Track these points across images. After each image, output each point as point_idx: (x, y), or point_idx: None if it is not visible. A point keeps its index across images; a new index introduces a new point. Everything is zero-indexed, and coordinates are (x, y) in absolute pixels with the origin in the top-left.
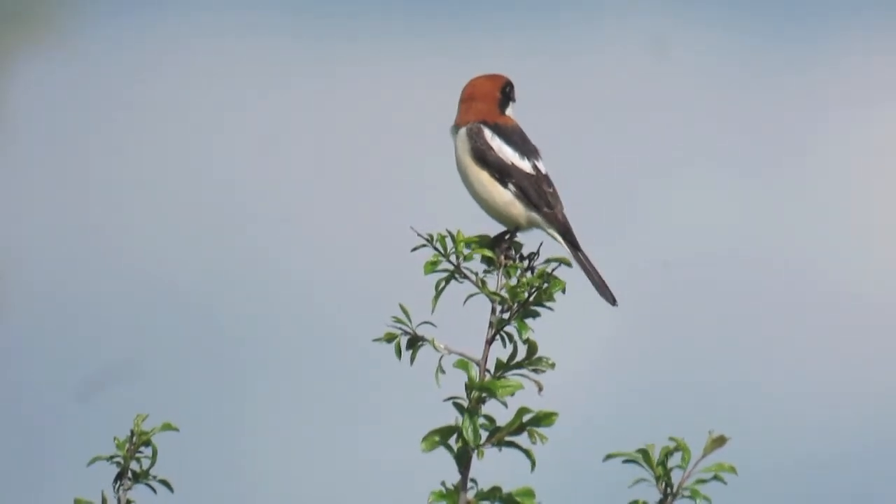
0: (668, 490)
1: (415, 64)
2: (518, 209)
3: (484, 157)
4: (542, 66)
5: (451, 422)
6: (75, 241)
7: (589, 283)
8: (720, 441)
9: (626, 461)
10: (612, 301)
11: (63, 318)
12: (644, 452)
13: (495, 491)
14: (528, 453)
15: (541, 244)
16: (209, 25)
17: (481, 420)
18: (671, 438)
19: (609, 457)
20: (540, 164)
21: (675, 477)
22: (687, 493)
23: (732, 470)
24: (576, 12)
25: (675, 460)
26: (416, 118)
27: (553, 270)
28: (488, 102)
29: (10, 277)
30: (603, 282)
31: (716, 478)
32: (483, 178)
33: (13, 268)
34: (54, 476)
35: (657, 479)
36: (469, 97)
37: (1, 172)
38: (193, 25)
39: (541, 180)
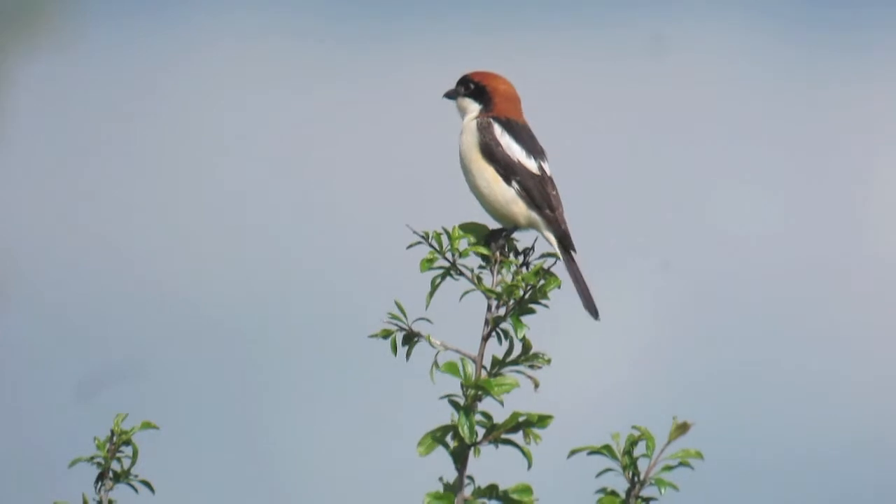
0: (636, 479)
1: (413, 65)
2: (519, 207)
3: (491, 153)
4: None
5: (448, 418)
6: (76, 241)
7: (576, 291)
8: (684, 427)
9: (591, 453)
10: (595, 315)
11: (62, 318)
12: (607, 447)
13: (492, 488)
14: (524, 451)
15: (535, 239)
16: (210, 27)
17: (478, 417)
18: (634, 427)
19: (573, 452)
20: (545, 166)
21: (643, 465)
22: (654, 481)
23: (699, 455)
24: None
25: (642, 449)
26: (414, 118)
27: (549, 267)
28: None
29: (10, 278)
30: (589, 294)
31: (682, 464)
32: (488, 173)
33: (13, 268)
34: (36, 478)
35: (624, 468)
36: (516, 98)
37: (3, 172)
38: (195, 28)
39: (545, 182)
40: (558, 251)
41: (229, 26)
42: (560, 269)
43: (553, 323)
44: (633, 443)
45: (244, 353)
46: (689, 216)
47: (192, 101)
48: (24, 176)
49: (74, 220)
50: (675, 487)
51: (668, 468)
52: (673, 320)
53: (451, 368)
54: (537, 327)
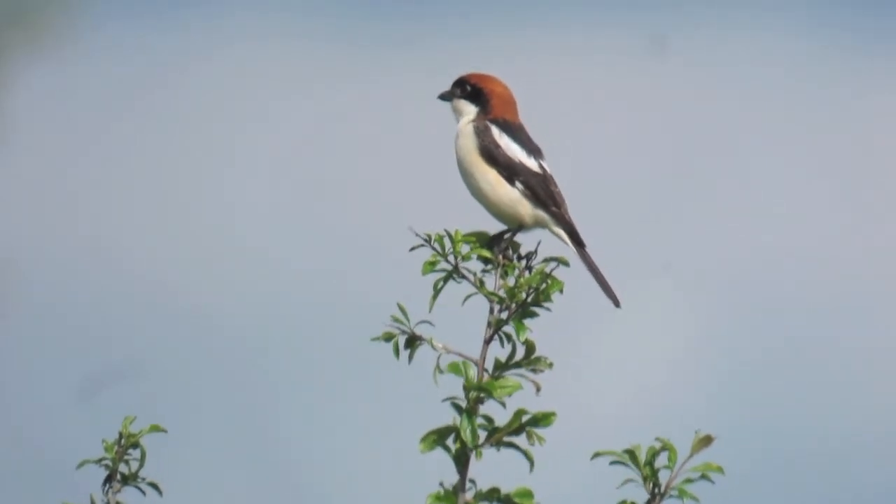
0: (656, 490)
1: (416, 68)
2: (525, 207)
3: (492, 155)
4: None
5: (450, 421)
6: (80, 242)
7: (595, 282)
8: (707, 440)
9: (612, 462)
10: (616, 303)
11: (63, 321)
12: (631, 453)
13: (494, 492)
14: (526, 454)
15: (538, 243)
16: (214, 30)
17: (480, 420)
18: (657, 439)
19: (596, 455)
20: (545, 164)
21: (664, 477)
22: (675, 493)
23: (720, 470)
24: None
25: (663, 461)
26: (418, 121)
27: (552, 271)
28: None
29: (12, 279)
30: (607, 283)
31: (703, 477)
32: (490, 176)
33: (16, 269)
34: (45, 479)
35: (644, 479)
36: (512, 100)
37: (5, 173)
38: (198, 31)
39: (548, 180)
40: (571, 245)
41: (233, 29)
42: (561, 272)
43: (563, 327)
44: (654, 454)
45: (246, 355)
46: (705, 218)
47: (194, 103)
48: (25, 177)
49: (77, 221)
50: (695, 499)
51: (689, 481)
52: (688, 326)
53: (455, 369)
54: (546, 332)
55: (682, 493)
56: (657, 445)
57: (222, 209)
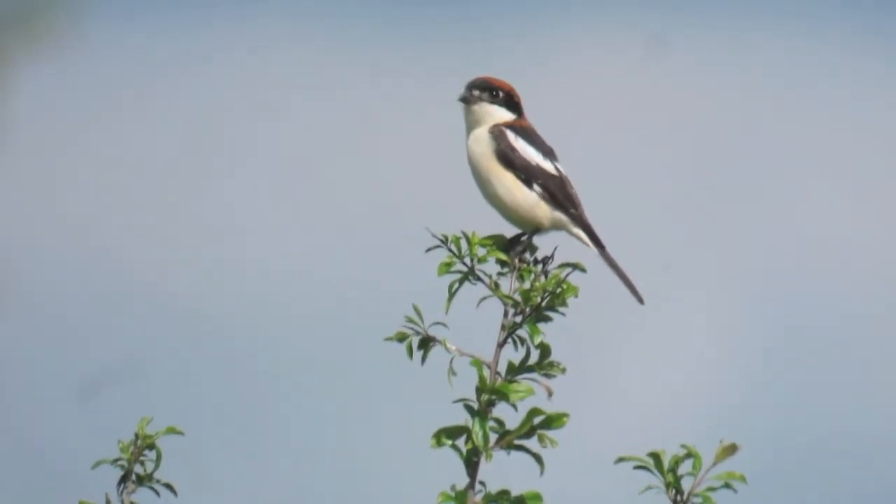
0: (679, 497)
1: (425, 70)
2: (543, 210)
3: (509, 159)
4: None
5: (461, 421)
6: (80, 242)
7: (619, 281)
8: (731, 449)
9: (636, 467)
10: (640, 300)
11: (66, 321)
12: (655, 457)
13: (503, 494)
14: (537, 457)
15: (555, 248)
16: (216, 32)
17: (491, 423)
18: (682, 445)
19: (620, 460)
20: (560, 166)
21: (686, 484)
22: (698, 500)
23: (742, 479)
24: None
25: (686, 468)
26: (436, 123)
27: (567, 276)
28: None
29: (13, 280)
30: (630, 281)
31: (726, 486)
32: (507, 180)
33: (17, 270)
34: (59, 479)
35: (667, 486)
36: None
37: (4, 175)
38: (199, 33)
39: (565, 182)
40: (591, 246)
41: (233, 30)
42: (577, 277)
43: (577, 333)
44: (678, 461)
45: (254, 356)
46: (719, 219)
47: (195, 104)
48: (25, 178)
49: (77, 221)
50: None
51: (712, 489)
52: (703, 330)
53: (476, 364)
54: (561, 337)
55: (706, 501)
56: (681, 452)
57: (229, 210)
